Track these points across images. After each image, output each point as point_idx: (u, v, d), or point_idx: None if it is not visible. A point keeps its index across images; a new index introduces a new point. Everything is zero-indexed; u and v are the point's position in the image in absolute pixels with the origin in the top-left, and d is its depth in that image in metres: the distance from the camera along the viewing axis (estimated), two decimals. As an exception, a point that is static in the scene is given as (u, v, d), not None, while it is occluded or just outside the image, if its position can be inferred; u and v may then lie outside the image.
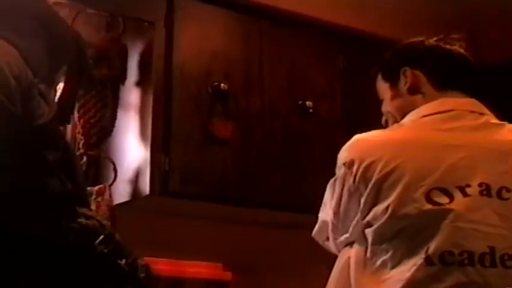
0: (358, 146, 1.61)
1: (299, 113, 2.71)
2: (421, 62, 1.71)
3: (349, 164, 1.57)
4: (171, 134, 2.48)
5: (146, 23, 2.59)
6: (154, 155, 2.44)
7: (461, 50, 1.72)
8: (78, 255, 1.34)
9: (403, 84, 1.71)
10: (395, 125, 1.70)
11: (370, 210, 1.52)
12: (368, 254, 1.52)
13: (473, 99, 1.66)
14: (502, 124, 1.64)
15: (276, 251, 2.86)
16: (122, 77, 2.59)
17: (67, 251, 1.34)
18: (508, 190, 1.51)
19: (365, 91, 2.86)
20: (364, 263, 1.52)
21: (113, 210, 2.40)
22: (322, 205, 1.71)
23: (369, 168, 1.53)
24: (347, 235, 1.60)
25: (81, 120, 2.58)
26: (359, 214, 1.55)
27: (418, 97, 1.68)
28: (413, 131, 1.61)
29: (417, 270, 1.43)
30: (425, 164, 1.51)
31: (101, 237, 1.37)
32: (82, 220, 1.37)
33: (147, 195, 2.43)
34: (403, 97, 1.71)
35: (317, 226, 1.72)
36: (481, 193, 1.49)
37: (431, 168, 1.50)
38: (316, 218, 1.75)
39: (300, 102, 2.72)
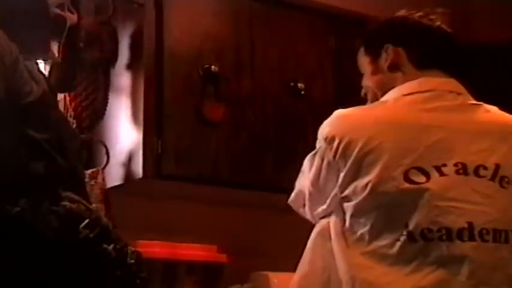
0: (340, 122, 1.64)
1: (291, 95, 2.71)
2: (403, 39, 1.72)
3: (330, 140, 1.60)
4: (163, 116, 2.47)
5: (136, 5, 2.57)
6: (147, 138, 2.44)
7: (444, 27, 1.74)
8: (60, 238, 1.32)
9: (384, 61, 1.72)
10: (378, 102, 1.72)
11: (348, 185, 1.57)
12: (347, 225, 1.57)
13: (452, 79, 1.69)
14: (479, 104, 1.69)
15: (270, 232, 2.87)
16: (113, 60, 2.58)
17: (48, 234, 1.32)
18: (485, 168, 1.56)
19: (357, 72, 2.86)
20: (343, 233, 1.58)
21: (106, 193, 2.40)
22: (300, 174, 1.76)
23: (349, 145, 1.57)
24: (324, 206, 1.64)
25: (73, 104, 2.58)
26: (337, 188, 1.59)
27: (398, 74, 1.71)
28: (395, 110, 1.64)
29: (402, 246, 1.50)
30: (404, 144, 1.56)
31: (86, 221, 1.35)
32: (66, 203, 1.36)
33: (140, 178, 2.42)
34: (383, 73, 1.73)
35: (294, 194, 1.78)
36: (457, 172, 1.55)
37: (410, 149, 1.55)
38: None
39: (292, 83, 2.72)
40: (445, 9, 1.77)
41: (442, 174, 1.53)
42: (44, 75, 1.62)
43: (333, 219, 1.61)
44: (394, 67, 1.71)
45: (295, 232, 2.88)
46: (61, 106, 2.51)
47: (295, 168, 2.67)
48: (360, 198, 1.54)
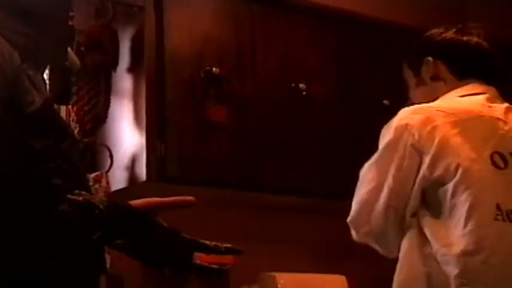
0: (415, 113, 1.75)
1: (292, 96, 2.72)
2: (443, 54, 1.88)
3: (411, 127, 1.70)
4: (166, 119, 2.47)
5: (136, 8, 2.57)
6: (150, 141, 2.44)
7: (479, 40, 1.89)
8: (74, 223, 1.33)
9: (426, 73, 1.88)
10: (440, 100, 1.83)
11: (437, 164, 1.67)
12: (446, 213, 1.66)
13: (492, 87, 1.85)
14: None
15: (277, 233, 2.87)
16: (114, 63, 2.58)
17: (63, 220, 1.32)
18: None
19: (358, 73, 2.88)
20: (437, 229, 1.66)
21: (111, 197, 2.40)
22: (358, 188, 1.76)
23: (433, 129, 1.69)
24: (411, 201, 1.70)
25: (75, 108, 2.58)
26: (425, 169, 1.68)
27: (441, 84, 1.87)
28: (463, 104, 1.79)
29: (498, 226, 1.63)
30: (484, 130, 1.73)
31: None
32: (71, 197, 1.35)
33: (144, 181, 2.42)
34: (426, 85, 1.89)
35: (354, 211, 1.75)
36: None
37: (489, 135, 1.72)
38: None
39: (293, 85, 2.72)
40: (477, 24, 1.94)
41: None
42: (45, 82, 1.62)
43: (425, 219, 1.68)
44: (435, 78, 1.87)
45: (301, 233, 2.90)
46: (63, 110, 2.52)
47: (298, 168, 2.69)
48: (457, 177, 1.65)
